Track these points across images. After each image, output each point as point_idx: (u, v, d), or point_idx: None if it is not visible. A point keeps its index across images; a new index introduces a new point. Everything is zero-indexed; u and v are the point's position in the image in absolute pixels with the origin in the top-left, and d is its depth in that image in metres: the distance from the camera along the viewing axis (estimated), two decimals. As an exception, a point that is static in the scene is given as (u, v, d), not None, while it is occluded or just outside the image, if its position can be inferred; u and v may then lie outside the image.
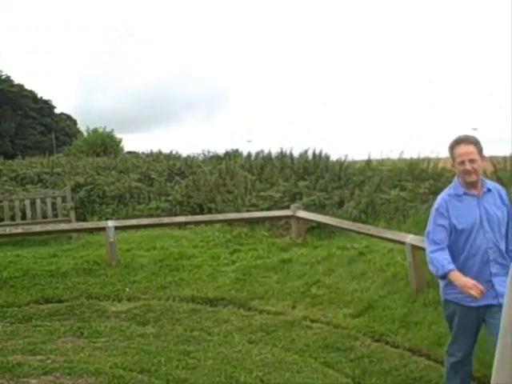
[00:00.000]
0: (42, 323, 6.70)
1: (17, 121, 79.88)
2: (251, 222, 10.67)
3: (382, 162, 14.00)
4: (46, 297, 7.53)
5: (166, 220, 9.63)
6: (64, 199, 11.59)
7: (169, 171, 14.44)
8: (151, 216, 11.66)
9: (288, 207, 10.27)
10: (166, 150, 19.22)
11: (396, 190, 11.04)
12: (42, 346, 5.98)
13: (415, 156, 13.51)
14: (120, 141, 28.99)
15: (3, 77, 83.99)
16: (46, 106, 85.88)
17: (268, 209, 11.21)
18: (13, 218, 11.18)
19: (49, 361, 5.61)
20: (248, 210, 11.15)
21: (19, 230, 8.07)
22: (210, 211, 11.87)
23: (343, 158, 13.88)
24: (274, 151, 15.51)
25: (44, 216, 11.27)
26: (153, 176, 13.89)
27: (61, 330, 6.43)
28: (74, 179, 12.68)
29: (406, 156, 14.12)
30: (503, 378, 1.21)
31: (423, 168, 12.33)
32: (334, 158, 14.16)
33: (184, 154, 19.07)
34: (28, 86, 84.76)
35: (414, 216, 9.83)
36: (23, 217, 11.23)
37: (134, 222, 9.54)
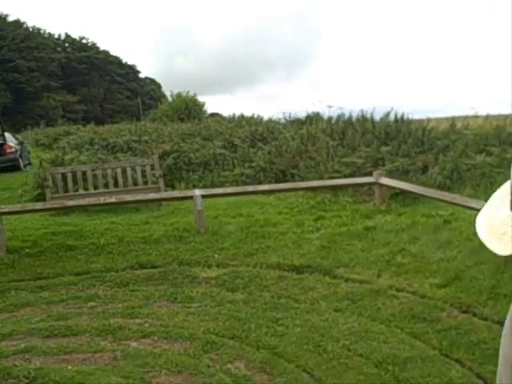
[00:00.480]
0: (138, 288, 6.99)
1: (104, 86, 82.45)
2: (334, 188, 10.65)
3: (466, 125, 13.54)
4: (141, 263, 7.83)
5: (250, 188, 9.78)
6: (153, 167, 11.95)
7: (251, 137, 14.56)
8: (236, 182, 11.86)
9: (370, 173, 10.17)
10: (247, 113, 19.40)
11: (482, 156, 10.70)
12: (140, 310, 6.26)
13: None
14: (203, 104, 29.40)
15: (89, 44, 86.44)
16: (131, 71, 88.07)
17: (351, 175, 11.15)
18: (106, 185, 11.65)
19: (146, 324, 5.89)
20: (331, 177, 11.13)
21: (113, 199, 8.43)
22: (293, 177, 11.93)
23: (425, 121, 13.56)
24: (355, 114, 15.34)
25: (135, 183, 11.68)
26: (236, 142, 14.05)
27: (156, 294, 6.70)
28: (161, 147, 13.02)
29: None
30: None
31: (511, 131, 11.84)
32: (416, 116, 13.90)
33: (265, 117, 19.17)
34: (113, 52, 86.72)
35: (502, 183, 9.51)
36: (115, 184, 11.68)
37: (220, 190, 9.74)
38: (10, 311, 6.41)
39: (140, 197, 9.02)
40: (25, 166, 21.53)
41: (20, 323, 5.95)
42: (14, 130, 48.81)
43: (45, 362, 4.91)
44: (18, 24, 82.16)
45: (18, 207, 8.40)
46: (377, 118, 14.59)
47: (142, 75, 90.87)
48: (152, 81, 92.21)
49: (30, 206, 8.64)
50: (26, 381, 4.55)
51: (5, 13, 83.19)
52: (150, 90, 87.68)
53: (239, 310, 6.13)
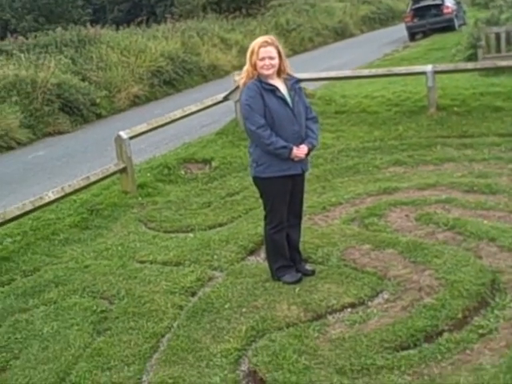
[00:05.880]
0: None
1: None
2: None
3: None
4: None
5: None
6: None
7: None
8: None
9: None
10: None
11: None
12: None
13: None
14: None
15: None
16: None
17: None
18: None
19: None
20: None
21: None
22: None
23: None
24: None
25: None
26: None
27: None
28: None
29: None
30: None
31: None
32: None
33: None
34: None
35: None
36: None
37: None
38: (435, 164, 6.70)
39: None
40: (459, 26, 21.08)
41: (443, 176, 6.18)
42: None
43: (462, 214, 5.05)
44: None
45: (450, 66, 8.44)
46: None
47: None
48: None
49: (461, 65, 8.59)
50: (445, 227, 4.80)
51: None
52: None
53: None
